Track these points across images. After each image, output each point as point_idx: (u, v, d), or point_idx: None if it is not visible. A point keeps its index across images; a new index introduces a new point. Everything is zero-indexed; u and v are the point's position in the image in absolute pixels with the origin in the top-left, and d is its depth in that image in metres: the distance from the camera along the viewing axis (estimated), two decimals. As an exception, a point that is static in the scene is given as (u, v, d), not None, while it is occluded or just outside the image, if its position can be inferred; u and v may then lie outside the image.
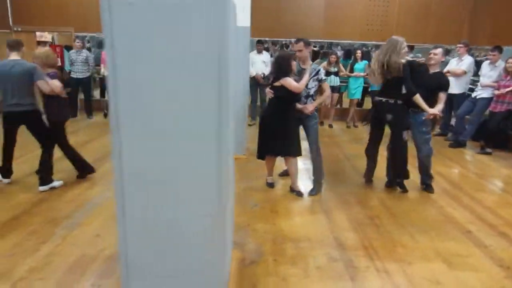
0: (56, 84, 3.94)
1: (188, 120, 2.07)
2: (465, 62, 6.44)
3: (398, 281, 2.68)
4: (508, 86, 5.75)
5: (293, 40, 4.42)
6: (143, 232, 2.24)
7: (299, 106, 4.01)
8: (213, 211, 2.21)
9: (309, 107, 4.02)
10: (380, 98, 4.10)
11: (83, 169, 4.37)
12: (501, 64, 6.03)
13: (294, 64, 3.90)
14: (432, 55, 4.19)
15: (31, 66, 3.93)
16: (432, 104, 4.03)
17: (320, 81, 4.15)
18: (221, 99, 2.05)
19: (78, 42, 7.51)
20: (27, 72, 3.85)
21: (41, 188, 3.96)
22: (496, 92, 5.89)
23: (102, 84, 8.44)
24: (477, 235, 3.41)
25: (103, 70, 7.59)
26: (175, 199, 2.19)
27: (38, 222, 3.32)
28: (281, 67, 3.82)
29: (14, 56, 3.93)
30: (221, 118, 2.07)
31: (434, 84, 4.08)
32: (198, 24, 1.94)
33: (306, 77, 3.88)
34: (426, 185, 4.35)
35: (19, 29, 8.11)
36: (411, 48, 8.46)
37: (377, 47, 7.75)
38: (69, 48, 10.24)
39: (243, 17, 4.86)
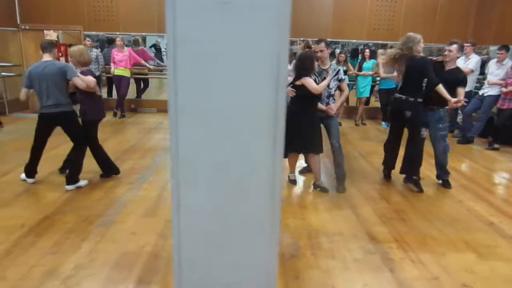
0: (90, 80, 3.96)
1: (246, 118, 2.14)
2: (472, 61, 6.58)
3: (435, 271, 2.77)
4: (515, 84, 5.91)
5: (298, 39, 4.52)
6: (198, 226, 2.30)
7: (322, 107, 4.10)
8: (267, 205, 2.28)
9: (333, 107, 4.11)
10: (400, 95, 4.19)
11: (109, 169, 4.39)
12: (508, 62, 6.19)
13: (316, 64, 3.98)
14: (447, 52, 4.27)
15: (63, 64, 3.97)
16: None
17: (339, 80, 4.25)
18: (278, 97, 2.11)
19: (88, 41, 7.50)
20: (60, 70, 3.88)
21: (68, 187, 3.98)
22: (504, 89, 6.04)
23: (110, 83, 8.44)
24: (501, 227, 3.53)
25: (113, 69, 7.57)
26: (231, 194, 2.25)
27: (72, 221, 3.35)
28: (305, 66, 3.90)
29: (46, 57, 3.96)
30: (277, 115, 2.14)
31: (452, 80, 4.17)
32: (262, 24, 2.00)
33: (326, 80, 3.95)
34: (444, 181, 4.45)
35: (27, 27, 8.06)
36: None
37: (383, 46, 7.89)
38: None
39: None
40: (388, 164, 4.61)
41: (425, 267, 2.83)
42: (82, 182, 4.10)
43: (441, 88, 3.98)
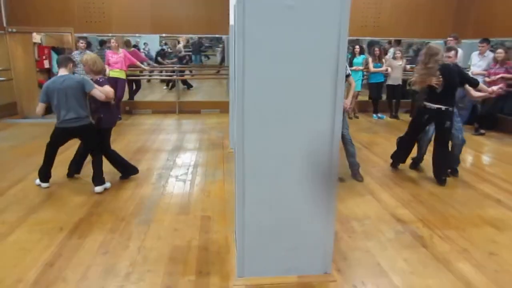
0: (108, 90, 4.02)
1: (308, 113, 2.32)
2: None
3: (462, 244, 3.04)
4: (498, 74, 6.38)
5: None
6: (261, 213, 2.46)
7: None
8: (324, 193, 2.47)
9: (347, 102, 4.33)
10: (440, 106, 4.23)
11: (127, 171, 4.44)
12: (489, 54, 6.65)
13: None
14: (447, 58, 4.46)
15: (81, 78, 4.01)
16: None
17: (347, 76, 4.48)
18: (337, 94, 2.30)
19: (82, 43, 7.38)
20: (79, 84, 3.92)
21: (97, 189, 4.01)
22: (487, 79, 6.49)
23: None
24: (507, 202, 3.87)
25: (108, 71, 7.49)
26: (292, 183, 2.42)
27: (110, 221, 3.40)
28: None
29: (62, 72, 3.99)
30: (335, 110, 2.33)
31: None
32: (323, 27, 2.19)
33: None
34: (453, 169, 4.67)
35: (14, 30, 7.82)
36: (398, 42, 9.03)
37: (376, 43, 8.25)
38: (57, 49, 9.98)
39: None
40: (400, 158, 4.80)
41: (452, 241, 3.10)
42: (107, 184, 4.13)
43: (482, 85, 4.35)
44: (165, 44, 14.04)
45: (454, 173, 4.65)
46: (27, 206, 3.71)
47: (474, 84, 4.30)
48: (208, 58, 15.85)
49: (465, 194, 4.11)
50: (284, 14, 2.13)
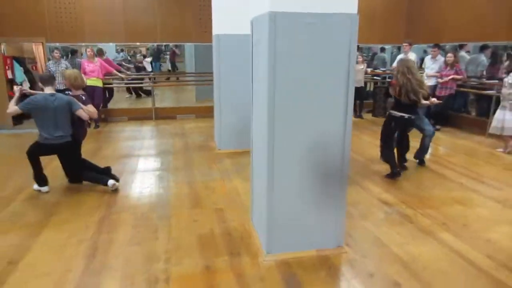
0: (92, 110, 4.34)
1: (326, 112, 2.80)
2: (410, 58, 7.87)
3: (441, 219, 3.66)
4: (449, 75, 7.28)
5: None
6: (287, 198, 2.90)
7: None
8: (338, 181, 2.95)
9: None
10: (403, 115, 4.70)
11: (110, 174, 4.53)
12: (440, 58, 7.56)
13: None
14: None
15: (68, 98, 4.21)
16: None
17: None
18: (348, 96, 2.80)
19: (56, 53, 7.38)
20: (68, 104, 4.13)
21: (110, 182, 4.27)
22: (440, 80, 7.38)
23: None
24: (468, 185, 4.59)
25: (85, 80, 7.52)
26: (314, 172, 2.88)
27: (131, 218, 3.66)
28: None
29: (50, 90, 4.17)
30: (347, 110, 2.83)
31: None
32: (337, 41, 2.68)
33: None
34: (420, 160, 5.35)
35: (-19, 40, 7.63)
36: (357, 47, 9.83)
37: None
38: (18, 59, 9.71)
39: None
40: (400, 160, 5.18)
41: (432, 217, 3.70)
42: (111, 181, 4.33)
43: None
44: (122, 50, 13.94)
45: (422, 163, 5.36)
46: (43, 210, 3.86)
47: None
48: (161, 65, 15.96)
49: (434, 179, 4.80)
50: (305, 29, 2.59)
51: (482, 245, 3.18)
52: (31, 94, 4.37)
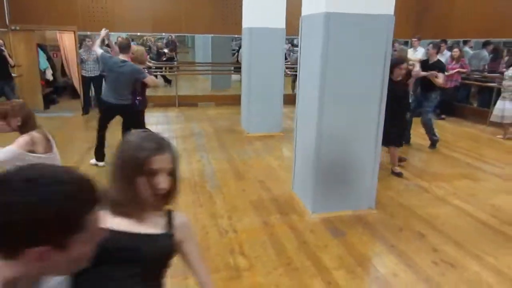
0: (155, 79, 4.90)
1: (365, 97, 3.39)
2: (419, 52, 8.46)
3: (452, 190, 4.28)
4: (454, 68, 7.88)
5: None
6: (331, 166, 3.50)
7: None
8: (372, 151, 3.56)
9: None
10: None
11: None
12: (446, 52, 8.16)
13: None
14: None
15: (137, 68, 4.66)
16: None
17: None
18: (383, 87, 3.40)
19: (89, 41, 7.88)
20: (132, 72, 4.57)
21: None
22: (446, 73, 7.97)
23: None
24: (474, 164, 5.23)
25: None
26: (353, 145, 3.49)
27: (187, 187, 4.24)
28: None
29: (122, 57, 4.65)
30: (382, 97, 3.43)
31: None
32: (379, 39, 3.26)
33: None
34: (432, 142, 5.99)
35: (17, 28, 8.11)
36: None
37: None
38: (42, 47, 10.16)
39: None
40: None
41: (445, 188, 4.33)
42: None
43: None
44: (132, 40, 14.36)
45: (432, 146, 5.98)
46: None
47: None
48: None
49: (444, 160, 5.43)
50: (353, 28, 3.18)
51: (488, 208, 3.82)
52: (110, 46, 5.00)
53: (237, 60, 10.38)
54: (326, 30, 3.13)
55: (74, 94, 9.63)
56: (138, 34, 9.29)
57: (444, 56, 8.19)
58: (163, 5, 8.93)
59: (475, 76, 8.43)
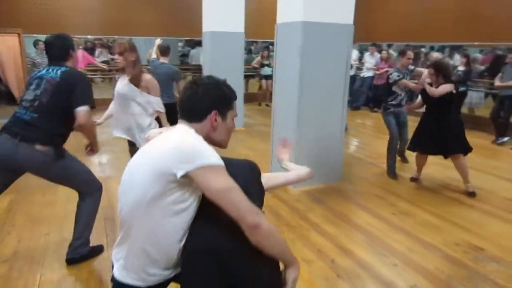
0: None
1: (333, 91, 4.21)
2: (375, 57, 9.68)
3: (449, 173, 5.30)
4: (384, 68, 9.19)
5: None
6: (310, 145, 4.26)
7: None
8: (338, 135, 4.39)
9: None
10: None
11: None
12: (376, 54, 9.46)
13: None
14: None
15: (176, 70, 5.13)
16: None
17: None
18: (346, 83, 4.25)
19: (41, 44, 7.82)
20: (170, 74, 5.00)
21: None
22: (377, 72, 9.27)
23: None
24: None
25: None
26: (326, 128, 4.29)
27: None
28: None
29: (162, 59, 5.14)
30: (345, 91, 4.28)
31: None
32: (343, 43, 4.10)
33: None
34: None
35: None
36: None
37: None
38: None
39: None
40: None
41: (443, 172, 5.29)
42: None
43: None
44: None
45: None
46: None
47: None
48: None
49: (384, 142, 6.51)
50: (322, 35, 3.97)
51: (425, 172, 4.87)
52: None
53: (188, 62, 10.80)
54: (303, 36, 3.88)
55: (11, 100, 9.24)
56: (89, 36, 9.30)
57: (375, 57, 9.49)
58: (113, 7, 9.10)
59: (399, 74, 9.86)
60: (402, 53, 4.81)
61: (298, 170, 2.00)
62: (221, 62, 6.79)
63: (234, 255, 1.33)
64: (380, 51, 9.54)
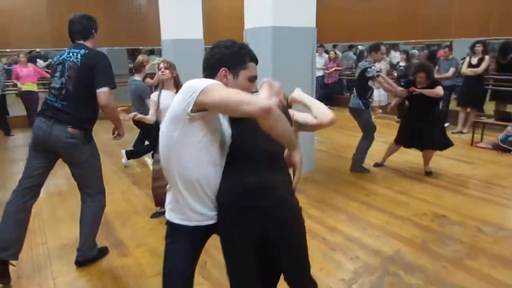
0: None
1: (302, 87, 4.57)
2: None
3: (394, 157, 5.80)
4: (332, 67, 9.84)
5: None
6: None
7: None
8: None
9: None
10: None
11: None
12: (324, 55, 10.08)
13: None
14: None
15: (143, 87, 5.21)
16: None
17: None
18: (313, 82, 4.64)
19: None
20: (136, 91, 5.13)
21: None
22: (327, 71, 9.89)
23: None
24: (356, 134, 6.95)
25: (19, 85, 7.71)
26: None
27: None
28: None
29: (136, 77, 5.30)
30: (312, 87, 4.67)
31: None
32: (308, 44, 4.48)
33: None
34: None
35: None
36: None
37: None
38: None
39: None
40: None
41: (400, 156, 5.80)
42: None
43: None
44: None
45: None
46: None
47: None
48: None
49: (348, 137, 7.03)
50: (290, 38, 4.32)
51: (394, 159, 5.40)
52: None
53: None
54: (274, 40, 4.20)
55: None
56: (37, 50, 8.97)
57: (324, 58, 10.10)
58: (62, 19, 8.85)
59: (347, 72, 10.59)
60: (375, 47, 4.75)
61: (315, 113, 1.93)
62: (182, 68, 6.90)
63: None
64: (327, 52, 10.17)
